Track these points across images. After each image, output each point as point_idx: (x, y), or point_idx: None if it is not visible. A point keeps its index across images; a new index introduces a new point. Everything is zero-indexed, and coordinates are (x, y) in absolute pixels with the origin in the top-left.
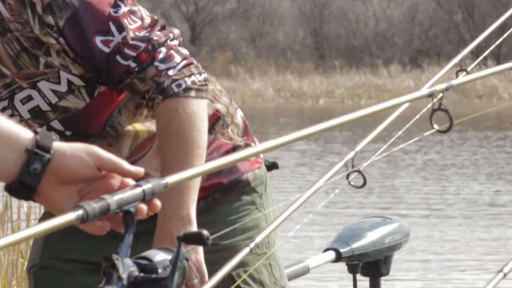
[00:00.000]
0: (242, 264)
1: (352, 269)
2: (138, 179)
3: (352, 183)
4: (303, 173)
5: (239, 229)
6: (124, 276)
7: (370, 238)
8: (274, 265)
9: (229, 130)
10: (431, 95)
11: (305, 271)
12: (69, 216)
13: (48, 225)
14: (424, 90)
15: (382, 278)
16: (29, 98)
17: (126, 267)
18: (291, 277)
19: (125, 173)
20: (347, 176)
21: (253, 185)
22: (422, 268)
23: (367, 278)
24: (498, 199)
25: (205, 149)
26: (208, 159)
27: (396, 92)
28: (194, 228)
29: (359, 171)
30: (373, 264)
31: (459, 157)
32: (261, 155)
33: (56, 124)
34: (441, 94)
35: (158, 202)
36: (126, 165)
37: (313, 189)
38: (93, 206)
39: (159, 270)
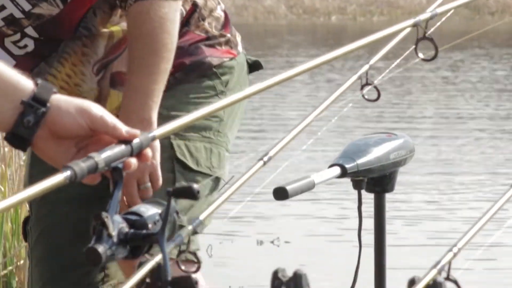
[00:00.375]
0: (184, 138)
1: (357, 185)
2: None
3: (366, 97)
4: (316, 88)
5: (193, 107)
6: (114, 233)
7: (375, 153)
8: (215, 152)
9: (205, 23)
10: (415, 25)
11: (310, 187)
12: (58, 178)
13: (37, 189)
14: (409, 21)
15: (386, 194)
16: (2, 7)
17: (116, 223)
18: (296, 192)
19: (117, 136)
20: (361, 89)
21: (217, 71)
22: (429, 184)
23: (372, 195)
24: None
25: (173, 52)
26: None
27: (409, 9)
28: None
29: (372, 84)
30: (378, 180)
31: (473, 75)
32: (240, 48)
33: (30, 30)
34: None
35: (149, 153)
36: (118, 126)
37: (328, 102)
38: (81, 165)
39: (149, 225)
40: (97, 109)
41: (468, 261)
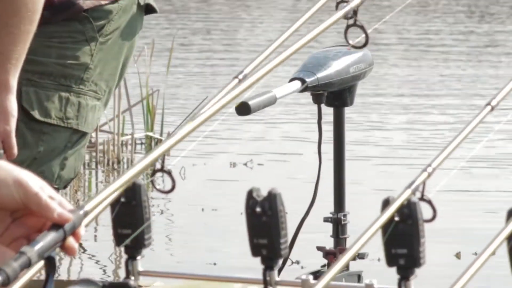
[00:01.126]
0: (36, 84)
1: (317, 99)
2: None
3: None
4: (289, 17)
5: (55, 52)
6: None
7: (335, 67)
8: (73, 102)
9: None
10: (346, 17)
11: (272, 101)
12: None
13: None
14: (340, 12)
15: (346, 108)
16: None
17: None
18: (259, 107)
19: (48, 218)
20: (336, 6)
21: (90, 15)
22: (396, 101)
23: (332, 109)
24: (482, 38)
25: (38, 12)
26: None
27: None
28: (12, 96)
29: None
30: (337, 93)
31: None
32: None
33: None
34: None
35: (82, 232)
36: (51, 207)
37: (302, 20)
38: (14, 266)
39: None
40: (34, 185)
41: (443, 181)
